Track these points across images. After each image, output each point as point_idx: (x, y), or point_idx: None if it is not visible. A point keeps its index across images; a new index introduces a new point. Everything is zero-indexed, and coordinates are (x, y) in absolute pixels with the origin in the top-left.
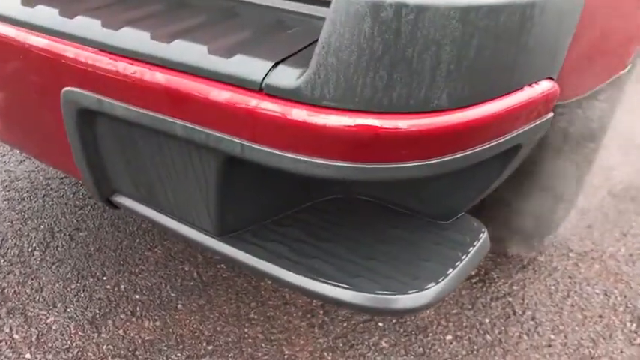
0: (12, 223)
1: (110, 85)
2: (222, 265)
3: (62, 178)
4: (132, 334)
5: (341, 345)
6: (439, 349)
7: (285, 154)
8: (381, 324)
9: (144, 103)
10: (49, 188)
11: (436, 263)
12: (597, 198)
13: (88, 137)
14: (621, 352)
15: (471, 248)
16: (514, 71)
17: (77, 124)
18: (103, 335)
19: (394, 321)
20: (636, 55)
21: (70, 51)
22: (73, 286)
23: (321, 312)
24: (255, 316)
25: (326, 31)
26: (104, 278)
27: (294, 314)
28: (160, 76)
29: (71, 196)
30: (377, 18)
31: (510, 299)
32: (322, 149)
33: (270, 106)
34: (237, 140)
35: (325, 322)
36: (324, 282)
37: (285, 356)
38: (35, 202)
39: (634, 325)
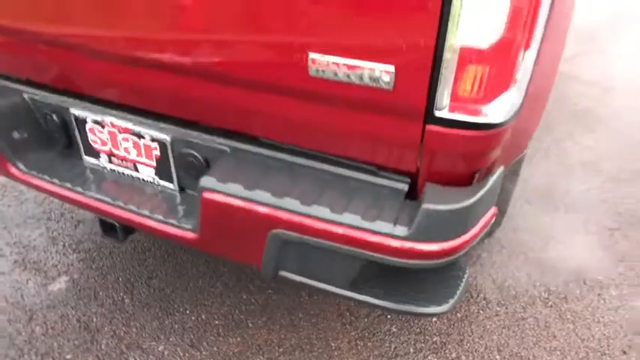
0: (95, 279)
1: (309, 231)
2: (270, 291)
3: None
4: (224, 349)
5: (367, 334)
6: (429, 327)
7: (398, 260)
8: (389, 317)
9: (329, 239)
10: (111, 246)
11: (449, 290)
12: (517, 205)
13: (281, 250)
14: (541, 312)
15: (463, 279)
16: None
17: (278, 247)
18: (203, 353)
19: (402, 317)
20: (531, 137)
21: (281, 215)
22: (166, 322)
23: (348, 313)
24: (305, 324)
25: (418, 218)
26: (187, 312)
27: (330, 318)
28: (339, 229)
29: (132, 250)
30: (438, 214)
31: (468, 288)
32: (412, 257)
33: (394, 243)
34: (378, 255)
35: (352, 320)
36: (404, 304)
37: (333, 347)
38: (105, 259)
39: (547, 294)
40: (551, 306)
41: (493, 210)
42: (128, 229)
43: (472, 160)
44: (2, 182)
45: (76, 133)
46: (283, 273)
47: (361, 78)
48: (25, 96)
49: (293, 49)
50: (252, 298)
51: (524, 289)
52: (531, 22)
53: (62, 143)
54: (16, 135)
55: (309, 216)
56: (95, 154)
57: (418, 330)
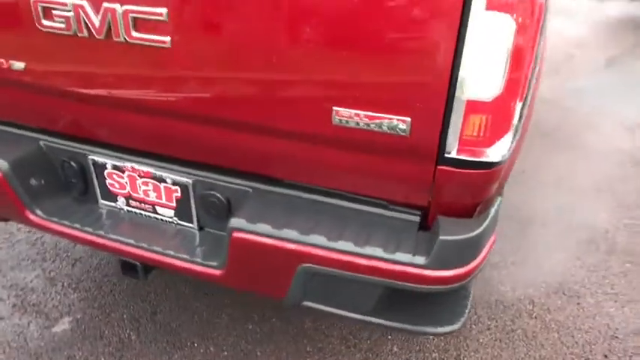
0: (99, 318)
1: (336, 264)
2: (274, 319)
3: (119, 272)
4: None
5: (370, 356)
6: (428, 345)
7: (417, 286)
8: (390, 337)
9: (354, 271)
10: (111, 283)
11: (459, 309)
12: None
13: (307, 282)
14: (527, 323)
15: (469, 299)
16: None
17: (306, 278)
18: None
19: (402, 336)
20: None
21: (310, 250)
22: (175, 356)
23: (351, 337)
24: (310, 349)
25: (436, 248)
26: (195, 345)
27: (335, 342)
28: (364, 261)
29: (132, 286)
30: (453, 244)
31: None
32: (429, 283)
33: (413, 270)
34: (399, 283)
35: (356, 342)
36: (421, 326)
37: None
38: (107, 296)
39: (532, 306)
40: (536, 317)
41: (495, 236)
42: (148, 267)
43: (476, 193)
44: None
45: (94, 177)
46: (307, 303)
47: (380, 126)
48: (42, 143)
49: (319, 102)
50: (258, 327)
51: (511, 303)
52: (525, 79)
53: (78, 188)
54: (33, 182)
55: (336, 250)
56: (112, 197)
57: (418, 348)
